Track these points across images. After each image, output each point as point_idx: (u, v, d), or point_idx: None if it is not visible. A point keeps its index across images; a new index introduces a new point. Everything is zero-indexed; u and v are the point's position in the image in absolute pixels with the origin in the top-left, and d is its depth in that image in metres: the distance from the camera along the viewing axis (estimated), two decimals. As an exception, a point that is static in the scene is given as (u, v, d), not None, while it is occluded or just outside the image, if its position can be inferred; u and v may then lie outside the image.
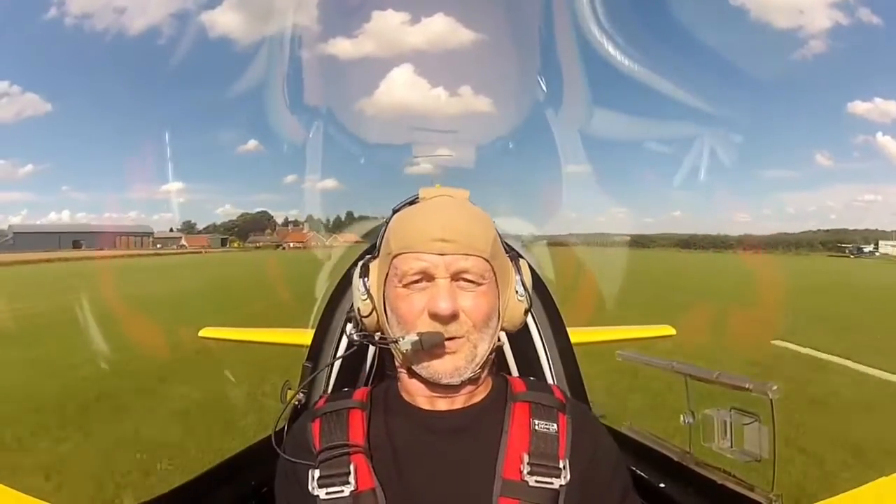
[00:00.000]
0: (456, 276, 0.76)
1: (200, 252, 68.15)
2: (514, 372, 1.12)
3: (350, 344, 0.86)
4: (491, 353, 0.81)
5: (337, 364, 1.20)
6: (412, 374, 0.80)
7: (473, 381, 0.80)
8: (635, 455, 1.13)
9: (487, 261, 0.78)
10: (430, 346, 0.74)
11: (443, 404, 0.80)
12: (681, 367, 1.16)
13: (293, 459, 0.77)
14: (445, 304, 0.74)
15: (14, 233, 71.99)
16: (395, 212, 0.86)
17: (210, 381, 5.84)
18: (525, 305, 0.85)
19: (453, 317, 0.75)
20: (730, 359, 6.93)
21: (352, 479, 0.73)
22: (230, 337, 4.02)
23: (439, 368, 0.76)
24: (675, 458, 1.13)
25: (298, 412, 1.05)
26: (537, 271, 1.07)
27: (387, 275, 0.80)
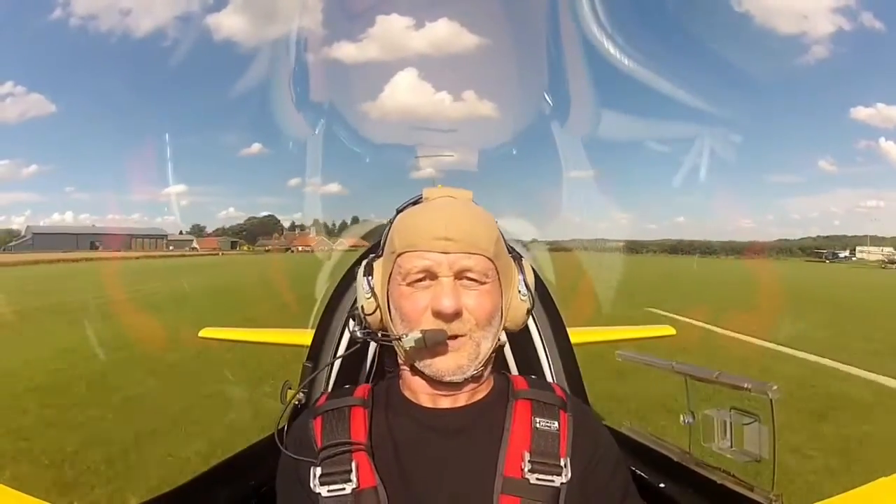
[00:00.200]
0: (459, 275, 0.74)
1: (217, 254, 68.34)
2: (515, 371, 1.10)
3: (354, 342, 0.84)
4: (493, 352, 0.79)
5: (337, 363, 1.17)
6: (415, 371, 0.78)
7: (476, 378, 0.78)
8: (635, 455, 1.10)
9: (491, 260, 0.76)
10: (434, 344, 0.73)
11: (445, 402, 0.78)
12: (681, 367, 1.13)
13: (295, 456, 0.74)
14: (449, 302, 0.72)
15: (33, 234, 71.97)
16: (398, 212, 0.84)
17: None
18: (527, 305, 0.83)
19: (457, 315, 0.73)
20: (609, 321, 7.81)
21: (353, 476, 0.70)
22: (230, 337, 3.95)
23: (442, 366, 0.74)
24: (675, 458, 1.10)
25: (298, 412, 1.02)
26: (538, 272, 1.03)
27: (391, 273, 0.79)
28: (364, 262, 0.84)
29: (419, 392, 0.79)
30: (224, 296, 15.39)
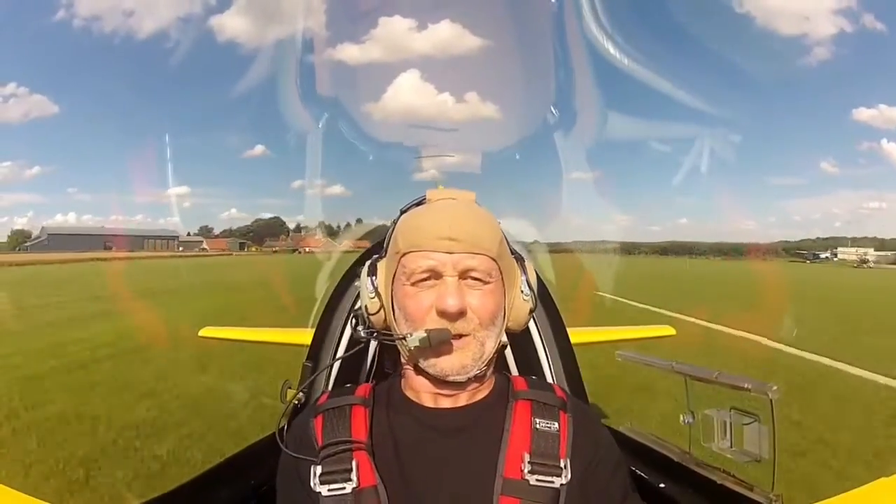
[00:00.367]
0: (463, 275, 0.72)
1: (230, 254, 68.17)
2: (515, 372, 1.08)
3: (355, 341, 0.82)
4: (496, 352, 0.77)
5: (337, 363, 1.14)
6: (418, 371, 0.76)
7: (479, 378, 0.76)
8: (635, 455, 1.07)
9: (494, 260, 0.74)
10: (438, 343, 0.71)
11: (446, 402, 0.76)
12: (681, 367, 1.10)
13: (296, 455, 0.72)
14: (453, 301, 0.70)
15: (48, 234, 71.81)
16: (402, 212, 0.82)
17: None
18: (530, 305, 0.80)
19: (461, 314, 0.71)
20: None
21: (354, 475, 0.68)
22: (230, 336, 3.86)
23: (446, 365, 0.72)
24: (675, 459, 1.07)
25: (298, 412, 0.99)
26: (538, 273, 1.00)
27: (395, 273, 0.76)
28: (368, 263, 0.81)
29: (421, 391, 0.77)
30: (267, 289, 15.74)
